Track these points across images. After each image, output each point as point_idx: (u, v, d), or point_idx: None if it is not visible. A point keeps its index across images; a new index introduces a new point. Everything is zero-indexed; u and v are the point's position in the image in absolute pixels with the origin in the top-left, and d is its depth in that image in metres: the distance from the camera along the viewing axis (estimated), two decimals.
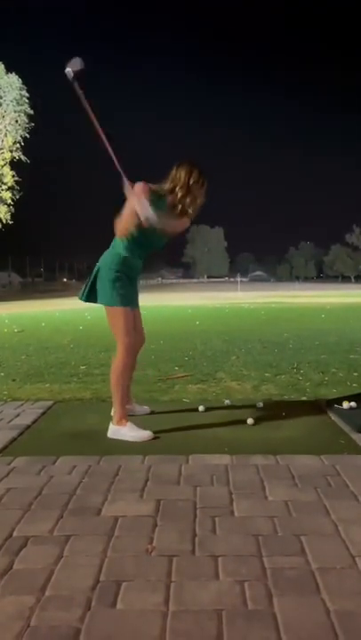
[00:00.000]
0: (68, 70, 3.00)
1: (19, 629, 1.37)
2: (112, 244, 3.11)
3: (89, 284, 3.09)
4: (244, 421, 3.23)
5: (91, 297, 3.09)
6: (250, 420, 3.23)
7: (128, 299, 3.05)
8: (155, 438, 2.95)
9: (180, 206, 3.02)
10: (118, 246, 3.06)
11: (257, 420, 3.26)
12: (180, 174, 2.99)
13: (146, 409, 3.50)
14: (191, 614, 1.42)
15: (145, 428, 3.02)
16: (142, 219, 2.84)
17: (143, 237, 3.02)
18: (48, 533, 1.89)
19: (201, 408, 3.53)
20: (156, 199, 2.95)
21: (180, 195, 2.99)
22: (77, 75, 3.01)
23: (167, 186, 3.02)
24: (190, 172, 2.99)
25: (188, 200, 3.02)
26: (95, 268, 3.09)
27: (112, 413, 3.09)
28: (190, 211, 3.06)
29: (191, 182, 2.98)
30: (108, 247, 3.17)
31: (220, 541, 1.81)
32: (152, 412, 3.47)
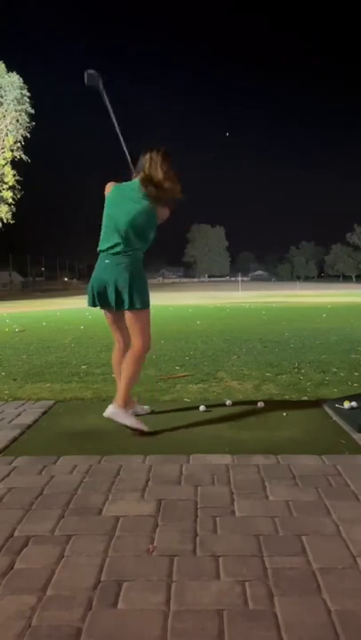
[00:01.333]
0: (92, 73, 3.21)
1: (20, 629, 1.37)
2: (127, 250, 3.05)
3: (127, 292, 3.01)
4: (245, 421, 3.24)
5: (120, 304, 3.06)
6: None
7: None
8: (149, 434, 2.99)
9: (159, 191, 3.01)
10: (138, 253, 3.11)
11: (258, 420, 3.27)
12: (152, 158, 3.02)
13: (147, 409, 3.53)
14: (192, 614, 1.42)
15: (146, 426, 3.06)
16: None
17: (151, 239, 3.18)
18: (49, 533, 1.89)
19: (202, 408, 3.53)
20: (125, 185, 3.10)
21: (156, 179, 2.99)
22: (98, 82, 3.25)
23: (146, 171, 3.03)
24: (163, 157, 3.01)
25: (166, 184, 3.00)
26: (122, 277, 3.01)
27: (116, 400, 3.12)
28: (157, 194, 3.02)
29: (165, 168, 2.99)
30: None
31: (221, 541, 1.81)
32: (152, 412, 3.48)
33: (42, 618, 1.42)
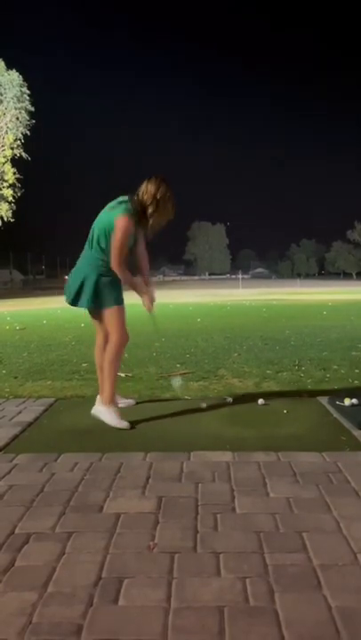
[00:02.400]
0: None
1: (21, 626, 1.37)
2: (88, 254, 3.20)
3: (86, 292, 3.16)
4: (246, 418, 3.24)
5: (77, 301, 3.22)
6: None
7: (121, 298, 3.27)
8: (131, 429, 3.11)
9: (150, 220, 3.15)
10: (97, 257, 3.17)
11: (258, 418, 3.27)
12: (149, 188, 3.11)
13: (131, 401, 3.64)
14: (193, 611, 1.42)
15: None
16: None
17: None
18: (50, 530, 1.89)
19: (203, 405, 3.53)
20: (136, 221, 3.12)
21: (150, 210, 3.11)
22: None
23: (136, 198, 3.13)
24: (158, 186, 3.11)
25: (156, 214, 3.13)
26: (80, 277, 3.18)
27: (99, 397, 3.31)
28: (153, 223, 3.17)
29: (159, 197, 3.10)
30: None
31: (221, 538, 1.81)
32: (136, 404, 3.60)
33: (43, 614, 1.42)
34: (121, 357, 3.33)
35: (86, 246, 3.23)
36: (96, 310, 3.24)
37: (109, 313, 3.20)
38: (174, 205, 3.18)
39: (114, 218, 3.07)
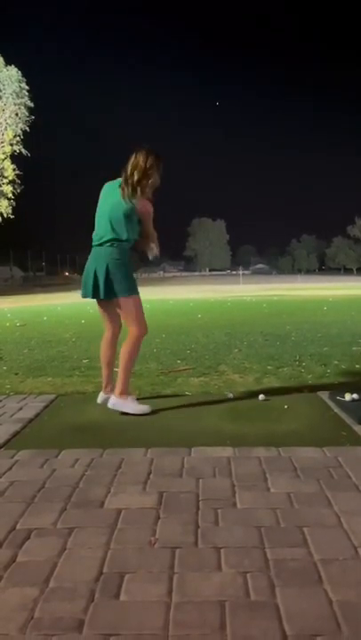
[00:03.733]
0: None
1: (22, 621, 1.38)
2: (110, 242, 3.27)
3: (111, 281, 3.23)
4: (247, 414, 3.24)
5: (107, 293, 3.28)
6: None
7: (137, 289, 3.35)
8: (151, 413, 3.23)
9: (138, 188, 3.25)
10: (123, 244, 3.27)
11: (259, 413, 3.27)
12: (137, 159, 3.26)
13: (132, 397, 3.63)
14: (194, 605, 1.42)
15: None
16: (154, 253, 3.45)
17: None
18: (51, 526, 1.90)
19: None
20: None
21: (136, 177, 3.24)
22: None
23: (128, 171, 3.28)
24: (147, 156, 3.26)
25: (144, 182, 3.26)
26: (105, 267, 3.23)
27: (115, 390, 3.34)
28: (148, 191, 3.31)
29: (148, 166, 3.26)
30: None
31: (222, 533, 1.81)
32: (137, 400, 3.54)
33: (44, 610, 1.42)
34: (139, 350, 3.40)
35: (100, 240, 3.29)
36: (111, 300, 3.30)
37: (127, 302, 3.26)
38: (160, 174, 3.34)
39: (133, 203, 3.21)
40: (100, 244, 3.29)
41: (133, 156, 3.29)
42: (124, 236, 3.26)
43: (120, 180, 3.32)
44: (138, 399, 3.65)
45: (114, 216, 3.25)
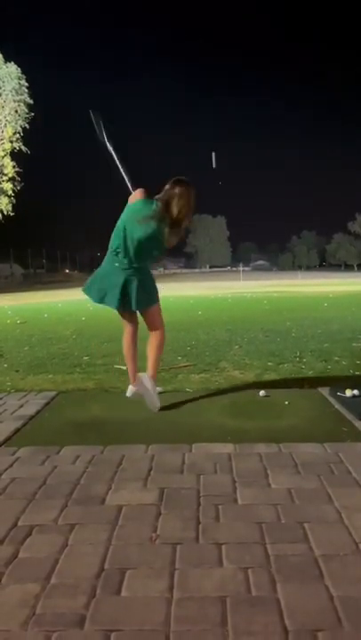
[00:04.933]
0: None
1: (24, 617, 1.38)
2: (134, 263, 3.30)
3: (141, 293, 3.33)
4: (247, 410, 3.25)
5: (138, 304, 3.38)
6: (262, 392, 3.58)
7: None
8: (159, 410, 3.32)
9: (167, 215, 3.21)
10: (145, 264, 3.40)
11: (259, 409, 3.27)
12: (189, 199, 3.22)
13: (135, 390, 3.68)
14: (195, 601, 1.43)
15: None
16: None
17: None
18: (53, 522, 1.90)
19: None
20: (148, 203, 3.21)
21: (182, 217, 3.22)
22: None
23: (176, 209, 3.21)
24: (173, 186, 3.21)
25: (186, 222, 3.27)
26: (133, 279, 3.29)
27: (148, 372, 3.47)
28: (175, 213, 3.20)
29: (169, 194, 3.19)
30: (108, 238, 3.31)
31: (223, 529, 1.82)
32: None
33: (46, 606, 1.43)
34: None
35: (124, 258, 3.27)
36: (147, 309, 3.44)
37: (155, 309, 3.45)
38: (181, 205, 3.19)
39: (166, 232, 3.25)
40: (123, 262, 3.27)
41: (183, 190, 3.19)
42: (148, 260, 3.40)
43: (155, 202, 3.20)
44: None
45: (147, 246, 3.24)
